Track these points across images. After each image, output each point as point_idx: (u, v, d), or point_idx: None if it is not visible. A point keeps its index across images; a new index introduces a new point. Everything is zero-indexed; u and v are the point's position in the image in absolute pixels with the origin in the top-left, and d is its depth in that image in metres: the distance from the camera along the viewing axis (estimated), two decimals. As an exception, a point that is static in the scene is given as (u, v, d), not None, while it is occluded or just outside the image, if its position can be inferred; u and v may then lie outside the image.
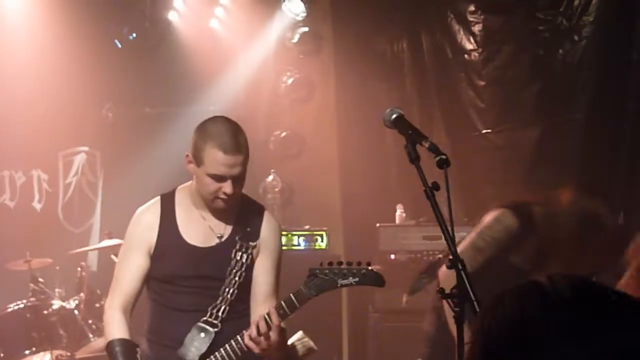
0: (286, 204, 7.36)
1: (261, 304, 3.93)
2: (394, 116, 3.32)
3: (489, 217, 4.38)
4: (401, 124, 3.29)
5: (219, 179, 3.77)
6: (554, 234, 4.32)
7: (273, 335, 3.71)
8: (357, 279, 3.74)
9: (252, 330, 3.72)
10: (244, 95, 7.70)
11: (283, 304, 3.74)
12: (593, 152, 6.70)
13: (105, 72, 7.69)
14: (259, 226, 4.00)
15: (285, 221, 7.20)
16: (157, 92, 7.96)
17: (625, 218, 6.64)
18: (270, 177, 7.74)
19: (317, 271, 3.76)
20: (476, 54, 7.33)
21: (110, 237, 6.66)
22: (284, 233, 5.59)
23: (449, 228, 3.04)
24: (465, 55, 7.38)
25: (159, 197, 4.03)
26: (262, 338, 3.70)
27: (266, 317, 3.73)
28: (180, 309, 3.91)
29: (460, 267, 2.91)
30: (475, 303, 2.85)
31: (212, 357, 3.83)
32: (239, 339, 3.77)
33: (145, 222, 3.96)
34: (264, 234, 4.00)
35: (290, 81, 7.85)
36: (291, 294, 3.75)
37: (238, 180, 3.81)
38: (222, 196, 3.80)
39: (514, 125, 7.17)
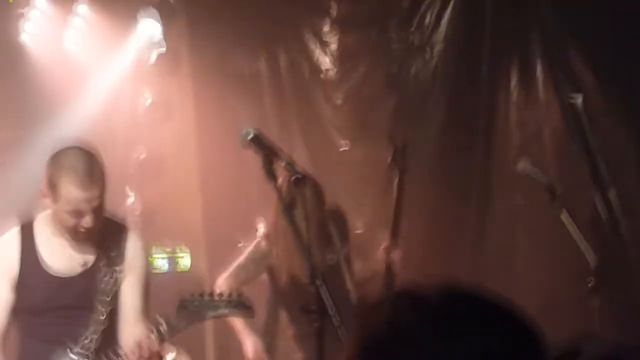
0: (147, 227, 7.25)
1: (130, 327, 3.89)
2: (249, 136, 3.36)
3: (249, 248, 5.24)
4: (257, 144, 3.33)
5: (78, 214, 3.71)
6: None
7: None
8: (227, 311, 3.77)
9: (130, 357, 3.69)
10: (101, 118, 7.54)
11: (154, 334, 3.71)
12: (446, 165, 6.93)
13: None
14: (123, 249, 3.95)
15: (147, 244, 7.09)
16: (11, 115, 7.72)
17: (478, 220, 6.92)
18: (130, 200, 7.62)
19: (187, 302, 3.75)
20: (332, 73, 7.46)
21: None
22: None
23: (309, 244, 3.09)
24: (322, 74, 7.49)
25: (17, 228, 3.94)
26: None
27: (142, 343, 3.69)
28: (48, 341, 3.82)
29: (318, 283, 2.96)
30: (334, 318, 2.91)
31: None
32: None
33: (5, 254, 3.87)
34: (130, 256, 3.96)
35: (148, 102, 7.76)
36: (162, 325, 3.72)
37: (97, 212, 3.76)
38: (82, 230, 3.74)
39: (370, 141, 7.31)
